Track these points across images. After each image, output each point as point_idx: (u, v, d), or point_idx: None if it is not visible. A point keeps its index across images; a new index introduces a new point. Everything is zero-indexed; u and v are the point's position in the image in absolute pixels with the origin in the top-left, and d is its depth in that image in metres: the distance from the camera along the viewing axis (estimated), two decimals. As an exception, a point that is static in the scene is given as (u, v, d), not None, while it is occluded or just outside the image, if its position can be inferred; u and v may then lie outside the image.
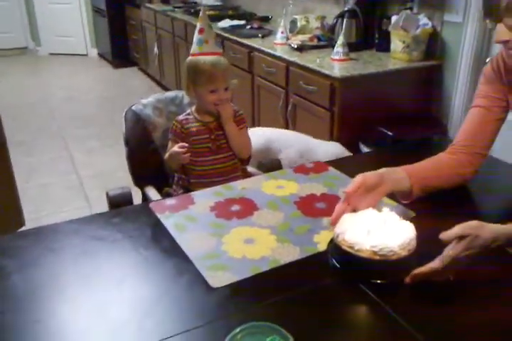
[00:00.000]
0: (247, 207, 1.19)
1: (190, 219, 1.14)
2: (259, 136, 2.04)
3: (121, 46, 5.71)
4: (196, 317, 0.84)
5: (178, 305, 0.88)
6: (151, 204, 1.21)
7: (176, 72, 4.38)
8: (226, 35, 3.25)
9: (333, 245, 0.97)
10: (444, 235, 0.90)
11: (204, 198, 1.25)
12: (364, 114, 2.33)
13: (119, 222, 1.13)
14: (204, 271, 0.95)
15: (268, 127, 2.32)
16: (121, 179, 1.66)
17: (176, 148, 1.49)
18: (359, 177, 1.05)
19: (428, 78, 2.50)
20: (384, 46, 2.60)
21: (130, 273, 0.98)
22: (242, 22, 3.59)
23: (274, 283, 0.94)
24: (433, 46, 2.46)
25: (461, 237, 0.89)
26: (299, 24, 3.06)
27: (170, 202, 1.23)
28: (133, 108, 1.73)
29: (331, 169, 1.40)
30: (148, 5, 4.78)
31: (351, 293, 0.92)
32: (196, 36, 1.52)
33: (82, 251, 1.03)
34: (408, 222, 0.97)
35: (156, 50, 4.74)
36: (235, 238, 1.07)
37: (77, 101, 4.74)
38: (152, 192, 1.61)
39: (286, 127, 2.65)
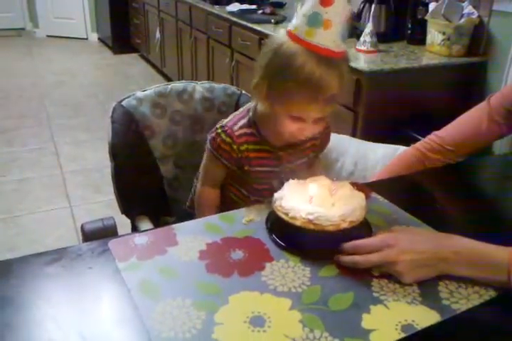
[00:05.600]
0: (254, 255, 0.80)
1: (167, 273, 0.75)
2: None
3: (122, 31, 5.37)
4: None
5: None
6: (110, 243, 0.80)
7: (178, 60, 4.01)
8: (234, 19, 2.88)
9: (270, 211, 0.87)
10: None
11: (191, 236, 0.84)
12: (393, 116, 1.97)
13: (54, 272, 0.73)
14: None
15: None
16: (108, 177, 1.28)
17: None
18: None
19: (469, 77, 2.13)
20: (418, 38, 2.24)
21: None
22: (253, 6, 3.22)
23: None
24: (477, 40, 2.09)
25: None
26: (318, 10, 2.68)
27: (140, 240, 0.82)
28: (123, 103, 1.22)
29: (375, 196, 1.00)
30: (151, -15, 4.41)
31: None
32: (311, 6, 0.79)
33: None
34: (360, 193, 0.85)
35: (157, 35, 4.37)
36: (234, 314, 0.67)
37: (70, 88, 4.39)
38: (146, 226, 1.18)
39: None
